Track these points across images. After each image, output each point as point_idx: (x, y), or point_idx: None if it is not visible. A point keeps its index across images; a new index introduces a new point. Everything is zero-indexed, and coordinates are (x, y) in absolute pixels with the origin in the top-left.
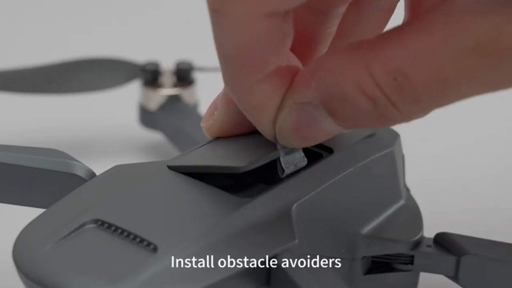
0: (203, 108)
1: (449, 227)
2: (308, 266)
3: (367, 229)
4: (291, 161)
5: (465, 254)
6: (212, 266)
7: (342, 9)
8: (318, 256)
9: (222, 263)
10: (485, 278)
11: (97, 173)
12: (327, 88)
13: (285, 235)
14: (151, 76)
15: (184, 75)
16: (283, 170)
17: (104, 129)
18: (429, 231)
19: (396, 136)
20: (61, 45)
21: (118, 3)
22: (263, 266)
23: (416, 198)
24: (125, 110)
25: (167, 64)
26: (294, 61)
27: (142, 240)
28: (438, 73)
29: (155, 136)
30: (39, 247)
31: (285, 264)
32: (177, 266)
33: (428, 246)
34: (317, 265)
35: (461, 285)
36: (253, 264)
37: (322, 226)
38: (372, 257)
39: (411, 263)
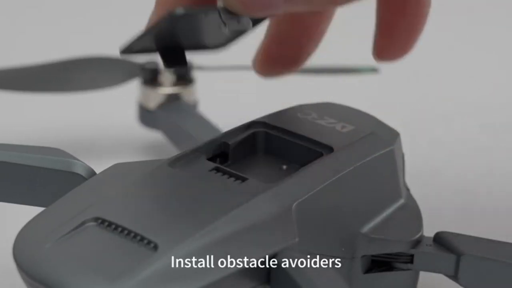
0: (203, 107)
1: (449, 227)
2: (308, 265)
3: (367, 228)
4: (234, 18)
5: (465, 253)
6: (212, 264)
7: None
8: (318, 255)
9: (222, 261)
10: (484, 278)
11: (97, 171)
12: None
13: (286, 234)
14: (150, 75)
15: (183, 74)
16: (224, 24)
17: (104, 128)
18: (429, 231)
19: (396, 135)
20: (61, 44)
21: (117, 3)
22: (263, 265)
23: (416, 198)
24: (125, 109)
25: None
26: None
27: (142, 239)
28: None
29: (155, 135)
30: (39, 245)
31: (285, 263)
32: (177, 264)
33: (428, 245)
34: (317, 264)
35: (460, 284)
36: (253, 263)
37: (322, 225)
38: (372, 256)
39: (411, 262)
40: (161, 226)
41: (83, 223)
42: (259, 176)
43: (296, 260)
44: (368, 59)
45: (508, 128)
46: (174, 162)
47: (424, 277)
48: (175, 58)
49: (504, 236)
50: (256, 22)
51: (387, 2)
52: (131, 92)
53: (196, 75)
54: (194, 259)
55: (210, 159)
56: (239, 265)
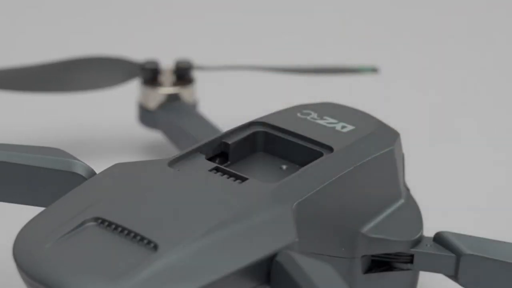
0: (203, 107)
1: (449, 226)
2: (308, 265)
3: (367, 228)
4: None
5: (465, 253)
6: (212, 264)
7: None
8: (318, 255)
9: (222, 261)
10: (484, 278)
11: (97, 171)
12: None
13: (286, 233)
14: (150, 75)
15: (183, 74)
16: None
17: (104, 127)
18: (429, 230)
19: (396, 135)
20: (61, 44)
21: (117, 3)
22: (263, 265)
23: (416, 198)
24: (125, 109)
25: (167, 63)
26: None
27: (142, 238)
28: None
29: (155, 135)
30: (39, 245)
31: (285, 263)
32: (177, 264)
33: (428, 245)
34: (317, 264)
35: (460, 284)
36: (253, 263)
37: (322, 225)
38: (372, 256)
39: (411, 262)
40: (161, 226)
41: (83, 223)
42: (259, 176)
43: (296, 260)
44: (368, 59)
45: (509, 128)
46: (174, 162)
47: (424, 277)
48: None
49: (504, 236)
50: None
51: None
52: (131, 92)
53: (196, 75)
54: (194, 259)
55: (210, 159)
56: (239, 265)
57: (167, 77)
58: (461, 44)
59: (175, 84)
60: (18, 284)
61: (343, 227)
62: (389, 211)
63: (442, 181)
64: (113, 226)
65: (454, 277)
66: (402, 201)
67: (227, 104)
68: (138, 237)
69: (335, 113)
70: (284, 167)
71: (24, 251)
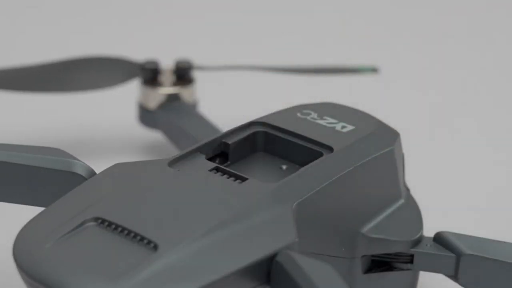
0: (203, 107)
1: (449, 227)
2: (308, 265)
3: (367, 228)
4: None
5: (465, 253)
6: (212, 264)
7: None
8: (318, 255)
9: (222, 261)
10: (485, 278)
11: (97, 171)
12: None
13: (286, 233)
14: (150, 75)
15: (183, 74)
16: None
17: (104, 127)
18: (429, 230)
19: (396, 135)
20: (60, 43)
21: (117, 3)
22: (263, 265)
23: (416, 198)
24: (125, 109)
25: (167, 63)
26: None
27: (142, 238)
28: None
29: (155, 135)
30: (39, 245)
31: (285, 263)
32: (177, 264)
33: (428, 245)
34: (317, 264)
35: (460, 284)
36: (253, 263)
37: (322, 225)
38: (372, 256)
39: (411, 262)
40: (161, 226)
41: (83, 223)
42: (259, 176)
43: (296, 260)
44: (368, 59)
45: (509, 128)
46: (174, 162)
47: (424, 277)
48: None
49: (504, 236)
50: None
51: None
52: (131, 92)
53: (196, 75)
54: (194, 259)
55: (210, 159)
56: (239, 265)
57: (167, 77)
58: (461, 44)
59: (175, 84)
60: (18, 284)
61: (343, 227)
62: (389, 211)
63: (442, 181)
64: (113, 226)
65: (454, 277)
66: (402, 201)
67: (227, 104)
68: (138, 237)
69: (335, 113)
70: (284, 167)
71: (24, 251)
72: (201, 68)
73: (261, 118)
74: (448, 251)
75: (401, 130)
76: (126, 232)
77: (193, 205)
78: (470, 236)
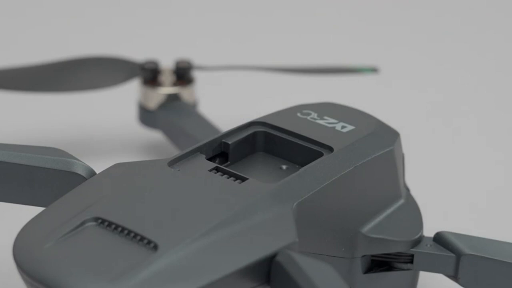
0: (203, 107)
1: (449, 227)
2: (308, 265)
3: (367, 228)
4: None
5: (465, 253)
6: (212, 264)
7: None
8: (318, 255)
9: (222, 261)
10: (485, 277)
11: (97, 171)
12: None
13: (286, 233)
14: (150, 75)
15: (183, 74)
16: None
17: (104, 127)
18: (429, 230)
19: (396, 135)
20: (60, 43)
21: (117, 3)
22: (263, 265)
23: (416, 198)
24: (125, 108)
25: (167, 63)
26: None
27: (142, 238)
28: None
29: (155, 135)
30: (39, 245)
31: (285, 263)
32: (177, 264)
33: (428, 245)
34: (317, 264)
35: (461, 284)
36: (253, 263)
37: (322, 225)
38: (372, 256)
39: (411, 262)
40: (161, 226)
41: (83, 223)
42: (259, 176)
43: (296, 260)
44: (368, 59)
45: (509, 128)
46: (174, 162)
47: (424, 277)
48: None
49: (504, 236)
50: None
51: None
52: (131, 92)
53: (196, 75)
54: (194, 259)
55: (209, 159)
56: (239, 265)
57: (167, 77)
58: (461, 44)
59: (175, 84)
60: (18, 284)
61: (343, 227)
62: (389, 211)
63: (442, 181)
64: (113, 226)
65: (454, 277)
66: (402, 201)
67: (227, 104)
68: (138, 237)
69: (335, 113)
70: (284, 167)
71: (24, 251)
72: (201, 68)
73: (261, 118)
74: (448, 251)
75: (401, 130)
76: (126, 232)
77: (193, 205)
78: (470, 236)
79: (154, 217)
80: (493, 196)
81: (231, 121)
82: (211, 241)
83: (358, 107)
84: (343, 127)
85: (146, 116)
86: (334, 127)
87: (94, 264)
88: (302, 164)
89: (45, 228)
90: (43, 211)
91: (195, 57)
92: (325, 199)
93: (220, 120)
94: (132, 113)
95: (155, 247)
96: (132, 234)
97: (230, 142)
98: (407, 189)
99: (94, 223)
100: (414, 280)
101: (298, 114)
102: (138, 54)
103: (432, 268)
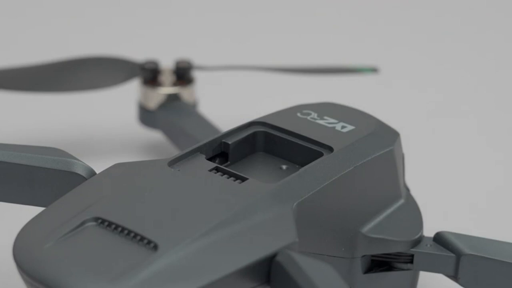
0: (203, 107)
1: (449, 227)
2: (308, 265)
3: (367, 228)
4: None
5: (465, 253)
6: (212, 264)
7: None
8: (318, 255)
9: (222, 261)
10: (485, 277)
11: (97, 171)
12: None
13: (286, 233)
14: (150, 75)
15: (183, 74)
16: None
17: (104, 127)
18: (429, 230)
19: (396, 135)
20: (60, 43)
21: (117, 2)
22: (263, 265)
23: (416, 198)
24: (125, 108)
25: (167, 63)
26: None
27: (142, 238)
28: None
29: (155, 135)
30: (39, 245)
31: (285, 263)
32: (177, 264)
33: (428, 245)
34: (317, 264)
35: (461, 284)
36: (253, 263)
37: (322, 225)
38: (372, 256)
39: (411, 262)
40: (161, 226)
41: (83, 223)
42: (259, 176)
43: (296, 260)
44: (368, 59)
45: (509, 128)
46: (174, 162)
47: (424, 277)
48: None
49: (504, 236)
50: None
51: None
52: (131, 92)
53: (196, 75)
54: (194, 259)
55: (209, 159)
56: (239, 265)
57: (167, 77)
58: (461, 44)
59: (175, 84)
60: (18, 284)
61: (343, 227)
62: (389, 211)
63: (442, 181)
64: (113, 226)
65: (454, 277)
66: (402, 201)
67: (227, 104)
68: (138, 237)
69: (335, 113)
70: (284, 167)
71: (24, 251)
72: (201, 68)
73: (261, 118)
74: (448, 251)
75: (401, 130)
76: (126, 232)
77: (193, 205)
78: (470, 236)
79: (154, 217)
80: (493, 196)
81: (231, 121)
82: (211, 241)
83: (358, 107)
84: (343, 127)
85: (146, 116)
86: (334, 127)
87: (94, 264)
88: (302, 164)
89: (45, 228)
90: (43, 211)
91: (195, 57)
92: (325, 199)
93: (220, 120)
94: (132, 113)
95: (155, 247)
96: (132, 234)
97: (230, 142)
98: (407, 189)
99: (94, 223)
100: (414, 280)
101: (298, 114)
102: (138, 54)
103: (432, 268)
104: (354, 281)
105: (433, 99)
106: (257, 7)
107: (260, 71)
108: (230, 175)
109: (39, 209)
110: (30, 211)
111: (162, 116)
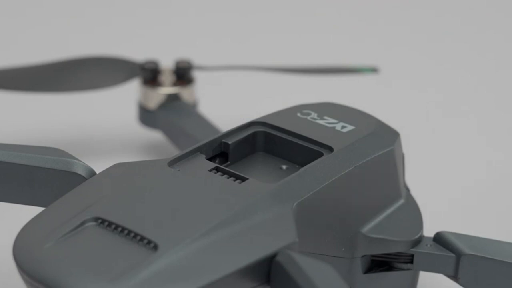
0: (203, 107)
1: (449, 227)
2: (308, 265)
3: (367, 228)
4: None
5: (465, 253)
6: (212, 264)
7: None
8: (318, 255)
9: (222, 261)
10: (485, 277)
11: (97, 171)
12: None
13: (286, 233)
14: (150, 75)
15: (183, 74)
16: None
17: (104, 127)
18: (429, 230)
19: (396, 135)
20: (60, 43)
21: (117, 2)
22: (263, 265)
23: (416, 198)
24: (125, 108)
25: (167, 63)
26: None
27: (142, 238)
28: None
29: (155, 135)
30: (39, 245)
31: (285, 263)
32: (177, 264)
33: (428, 245)
34: (317, 264)
35: (460, 284)
36: (253, 263)
37: (322, 225)
38: (372, 256)
39: (411, 262)
40: (161, 226)
41: (83, 223)
42: (259, 176)
43: (296, 260)
44: (368, 59)
45: (509, 128)
46: (174, 161)
47: (424, 277)
48: None
49: (504, 236)
50: None
51: None
52: (131, 92)
53: (196, 75)
54: (194, 259)
55: (209, 159)
56: (239, 265)
57: (167, 77)
58: (461, 44)
59: (175, 84)
60: (18, 284)
61: (343, 227)
62: (389, 211)
63: (442, 181)
64: (113, 226)
65: (454, 277)
66: (402, 201)
67: (227, 104)
68: (138, 237)
69: (335, 113)
70: (284, 167)
71: (24, 251)
72: (201, 68)
73: (261, 118)
74: (448, 251)
75: (401, 130)
76: (126, 232)
77: (193, 205)
78: (470, 236)
79: (154, 217)
80: (493, 196)
81: (231, 121)
82: (211, 241)
83: (358, 107)
84: (343, 127)
85: (146, 116)
86: (334, 127)
87: (94, 264)
88: (302, 164)
89: (45, 228)
90: (43, 211)
91: (195, 57)
92: (325, 199)
93: (220, 120)
94: (132, 113)
95: (155, 247)
96: (132, 234)
97: (230, 142)
98: (407, 189)
99: (94, 223)
100: (414, 280)
101: (298, 114)
102: (138, 54)
103: (432, 268)
104: (354, 281)
105: (433, 99)
106: (257, 7)
107: (260, 71)
108: (230, 175)
109: (39, 209)
110: (30, 211)
111: (162, 116)
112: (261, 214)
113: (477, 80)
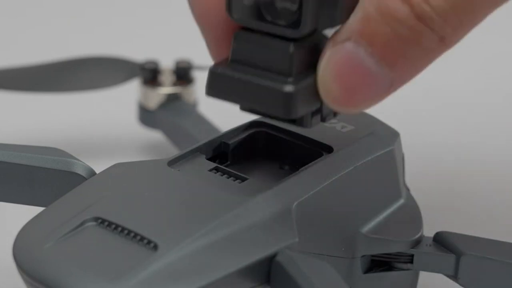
0: (203, 107)
1: (449, 227)
2: (308, 265)
3: (367, 228)
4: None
5: (465, 253)
6: (212, 264)
7: None
8: (318, 255)
9: (222, 261)
10: (484, 278)
11: (97, 171)
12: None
13: (286, 233)
14: (150, 75)
15: (183, 74)
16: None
17: (104, 127)
18: (429, 230)
19: (396, 135)
20: (60, 43)
21: (117, 2)
22: (263, 265)
23: (416, 198)
24: (125, 109)
25: (167, 63)
26: None
27: (142, 238)
28: None
29: (155, 135)
30: (39, 245)
31: (285, 263)
32: (177, 264)
33: (428, 245)
34: (317, 264)
35: (460, 284)
36: (253, 263)
37: (322, 225)
38: (372, 256)
39: (411, 262)
40: (161, 226)
41: (83, 223)
42: (259, 176)
43: (296, 260)
44: None
45: (509, 127)
46: (174, 162)
47: (424, 277)
48: None
49: (504, 236)
50: None
51: None
52: (131, 92)
53: (196, 75)
54: (194, 259)
55: (209, 159)
56: (239, 265)
57: (167, 77)
58: (461, 43)
59: (175, 84)
60: (18, 284)
61: (343, 227)
62: (389, 211)
63: (442, 181)
64: (113, 226)
65: (454, 277)
66: (402, 201)
67: (227, 104)
68: (138, 237)
69: None
70: (284, 167)
71: (24, 251)
72: (201, 68)
73: (261, 118)
74: (448, 251)
75: (401, 130)
76: (126, 232)
77: (193, 205)
78: (470, 236)
79: (154, 217)
80: (493, 196)
81: (231, 121)
82: (211, 241)
83: None
84: (343, 127)
85: (146, 116)
86: (334, 127)
87: (94, 264)
88: (302, 164)
89: (45, 228)
90: (43, 211)
91: (195, 57)
92: (325, 199)
93: (220, 120)
94: (132, 113)
95: (155, 247)
96: (132, 234)
97: (230, 142)
98: (407, 189)
99: (94, 223)
100: (414, 280)
101: None
102: (138, 54)
103: (432, 268)
104: (354, 281)
105: (433, 99)
106: None
107: None
108: (230, 175)
109: (39, 209)
110: (30, 211)
111: (162, 116)
112: (261, 214)
113: (477, 80)
